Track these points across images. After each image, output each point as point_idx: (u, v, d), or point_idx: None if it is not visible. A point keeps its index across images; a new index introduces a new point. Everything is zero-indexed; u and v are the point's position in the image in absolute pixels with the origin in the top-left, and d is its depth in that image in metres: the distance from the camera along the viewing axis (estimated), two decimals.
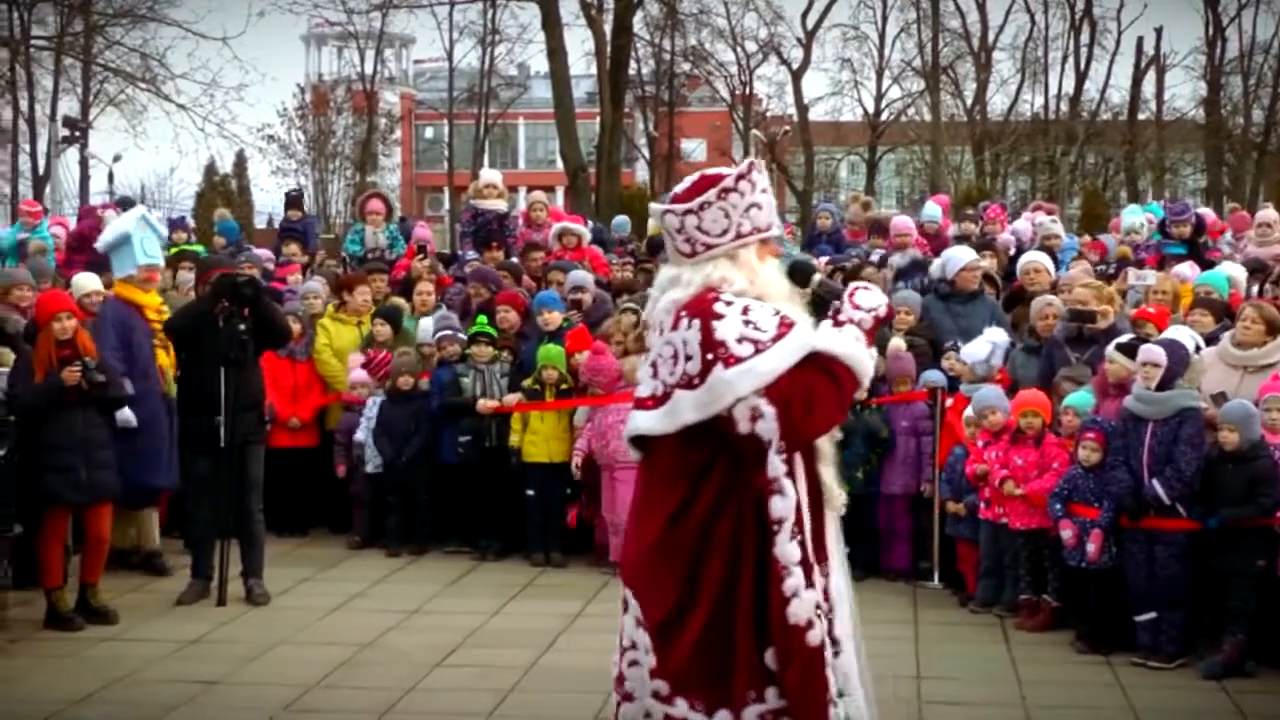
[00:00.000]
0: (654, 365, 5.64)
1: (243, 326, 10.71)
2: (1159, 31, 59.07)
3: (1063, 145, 55.97)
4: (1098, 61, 59.33)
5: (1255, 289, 12.81)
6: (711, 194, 5.58)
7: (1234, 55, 58.10)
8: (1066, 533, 9.83)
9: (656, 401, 5.58)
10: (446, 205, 62.25)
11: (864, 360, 5.57)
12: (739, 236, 5.58)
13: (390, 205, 16.86)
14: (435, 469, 12.81)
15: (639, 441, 5.71)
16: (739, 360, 5.34)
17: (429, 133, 78.05)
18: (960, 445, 11.07)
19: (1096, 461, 9.80)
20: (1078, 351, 10.99)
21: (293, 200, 19.55)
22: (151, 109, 44.41)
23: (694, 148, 65.49)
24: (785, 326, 5.43)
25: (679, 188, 5.78)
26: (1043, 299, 11.73)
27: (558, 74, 35.72)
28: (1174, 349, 9.58)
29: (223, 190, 54.34)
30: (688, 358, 5.44)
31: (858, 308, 5.61)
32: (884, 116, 59.90)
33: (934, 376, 11.64)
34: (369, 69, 57.83)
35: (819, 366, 5.45)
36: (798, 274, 5.77)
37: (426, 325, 13.40)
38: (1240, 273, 13.06)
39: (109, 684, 8.89)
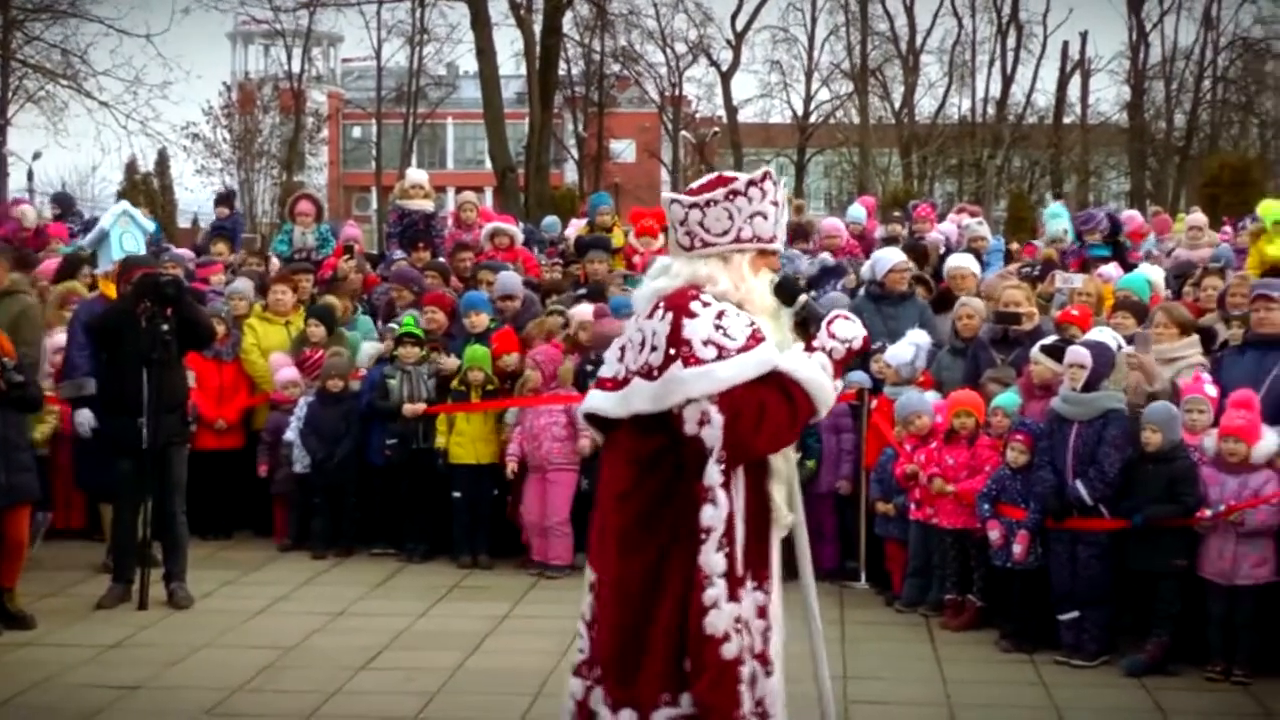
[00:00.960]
0: (622, 349, 5.72)
1: (165, 327, 10.60)
2: (1084, 36, 59.65)
3: (989, 148, 56.51)
4: (1024, 65, 60.17)
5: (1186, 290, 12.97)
6: (720, 193, 5.62)
7: (1157, 60, 58.89)
8: (994, 533, 9.89)
9: (615, 384, 5.66)
10: (374, 205, 62.07)
11: (824, 388, 5.54)
12: (737, 240, 5.61)
13: (320, 206, 16.76)
14: (362, 470, 12.72)
15: (598, 421, 5.79)
16: (699, 362, 5.35)
17: (357, 132, 77.70)
18: (890, 447, 11.09)
19: (1024, 463, 9.86)
20: (1003, 353, 11.05)
21: (222, 199, 19.42)
22: (73, 106, 43.86)
23: (623, 148, 65.65)
24: (754, 340, 5.43)
25: (695, 184, 5.84)
26: (964, 301, 11.79)
27: (487, 74, 35.72)
28: (1099, 351, 9.66)
29: (145, 189, 53.95)
30: (653, 348, 5.48)
31: (833, 336, 5.62)
32: (813, 119, 60.32)
33: (859, 377, 11.66)
34: (296, 67, 57.59)
35: (777, 385, 5.44)
36: (783, 291, 5.72)
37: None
38: (1158, 274, 13.20)
39: (26, 689, 8.76)
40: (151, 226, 13.45)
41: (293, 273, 14.57)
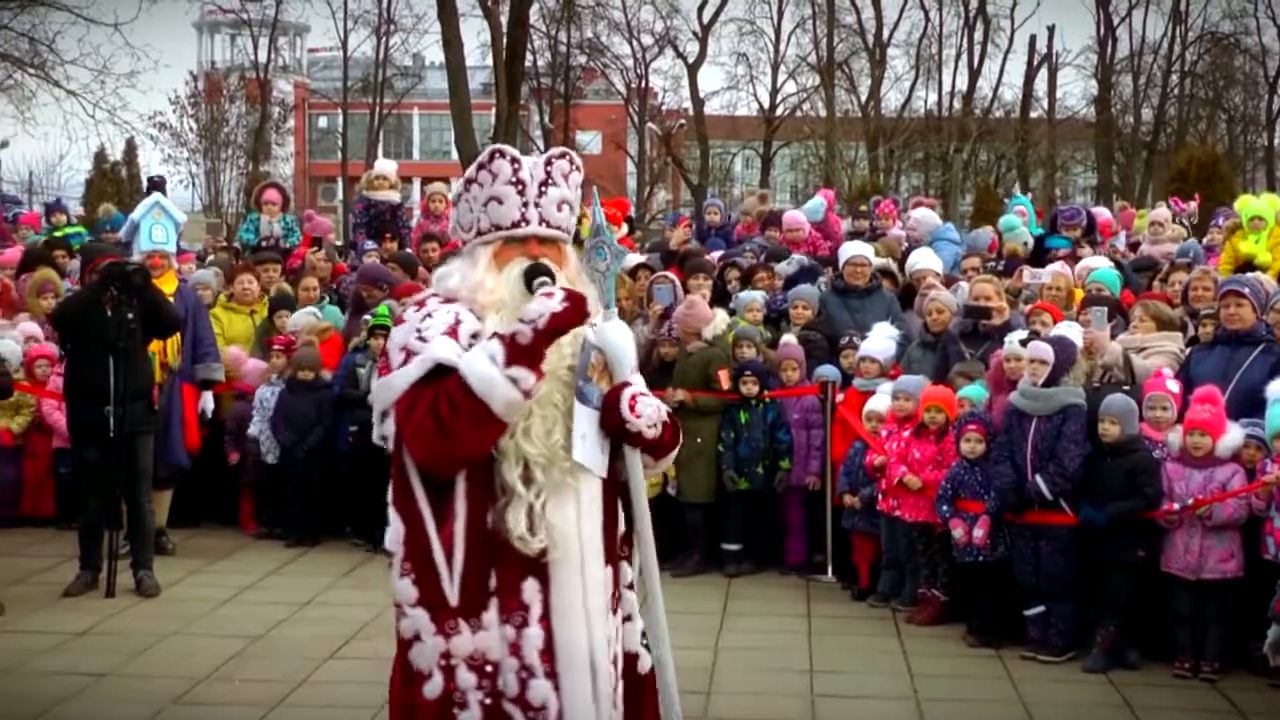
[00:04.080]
0: None
1: (131, 315, 10.59)
2: (1051, 30, 59.90)
3: (956, 142, 56.54)
4: (991, 59, 60.36)
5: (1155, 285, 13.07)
6: (460, 185, 5.06)
7: (1124, 55, 59.11)
8: (957, 531, 9.92)
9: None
10: (340, 195, 61.96)
11: (487, 379, 4.57)
12: (479, 234, 4.98)
13: (287, 196, 16.74)
14: (331, 458, 12.70)
15: None
16: (388, 371, 4.82)
17: (323, 122, 77.53)
18: (860, 440, 11.12)
19: (981, 453, 9.92)
20: (972, 348, 11.08)
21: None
22: (40, 95, 43.54)
23: (589, 140, 65.57)
24: (448, 333, 4.74)
25: None
26: (934, 296, 11.81)
27: (453, 64, 35.58)
28: (1061, 346, 9.70)
29: (113, 178, 53.73)
30: None
31: (520, 319, 4.68)
32: (779, 111, 60.34)
33: (826, 371, 11.69)
34: (263, 57, 57.44)
35: (439, 384, 4.64)
36: (527, 277, 4.84)
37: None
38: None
39: None
40: (183, 218, 13.46)
41: (258, 262, 14.56)
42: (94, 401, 10.62)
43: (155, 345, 11.49)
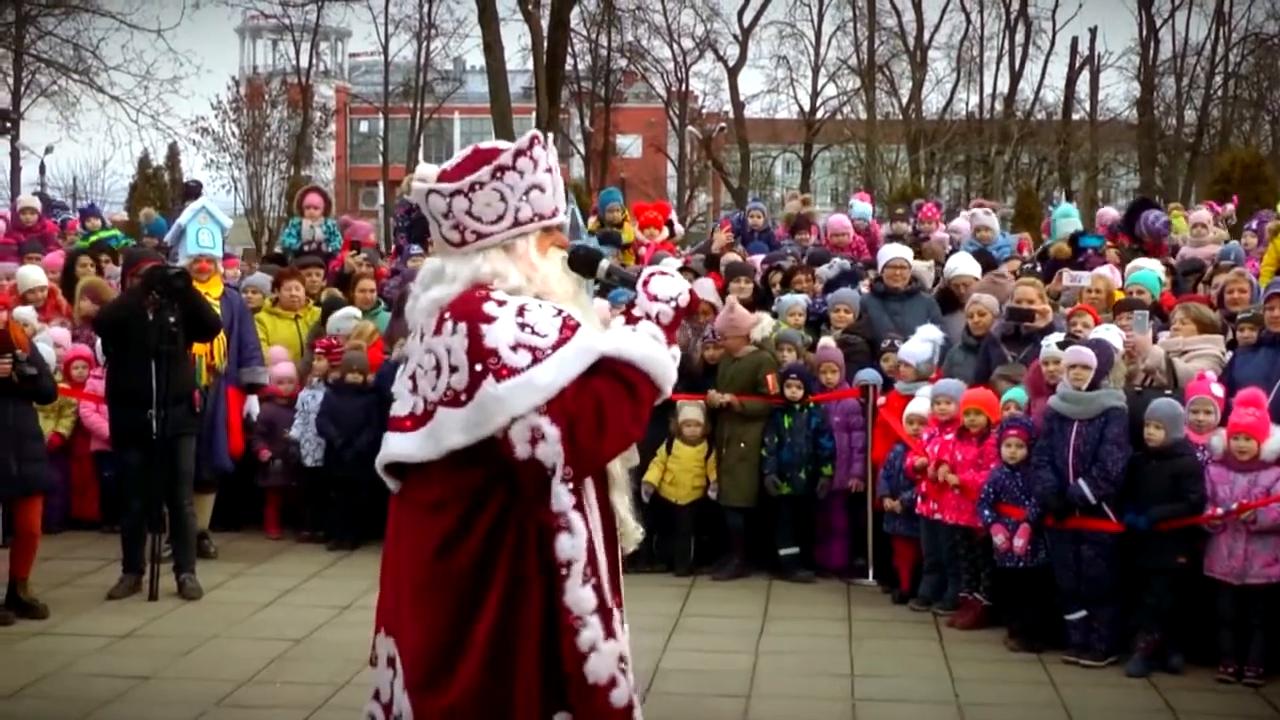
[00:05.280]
0: (413, 378, 4.78)
1: (173, 319, 10.64)
2: (1093, 32, 59.81)
3: (997, 144, 56.29)
4: (1032, 61, 59.90)
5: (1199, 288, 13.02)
6: (485, 173, 4.75)
7: (1167, 56, 58.75)
8: (998, 537, 9.90)
9: (416, 421, 4.72)
10: (381, 200, 62.10)
11: (663, 363, 4.67)
12: (516, 224, 4.74)
13: (328, 200, 16.80)
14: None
15: (395, 469, 4.86)
16: (514, 371, 4.51)
17: (364, 126, 77.77)
18: (901, 443, 11.09)
19: (1022, 458, 9.87)
20: (1014, 350, 11.03)
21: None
22: (84, 100, 44.00)
23: (629, 143, 65.62)
24: (569, 330, 4.59)
25: (448, 164, 4.94)
26: (976, 298, 11.76)
27: (493, 69, 35.65)
28: (1101, 349, 9.65)
29: (155, 183, 53.95)
30: (453, 369, 4.60)
31: (654, 299, 4.73)
32: (819, 114, 60.09)
33: (867, 374, 11.67)
34: (304, 62, 57.61)
35: (610, 375, 4.59)
36: (580, 263, 4.89)
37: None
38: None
39: (39, 678, 8.81)
40: (229, 223, 13.59)
41: (301, 266, 14.62)
42: (136, 405, 10.67)
43: (202, 348, 11.57)
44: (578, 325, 4.61)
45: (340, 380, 12.78)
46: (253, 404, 12.58)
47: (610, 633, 4.61)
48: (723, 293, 12.75)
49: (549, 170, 4.82)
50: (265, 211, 53.20)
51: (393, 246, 18.82)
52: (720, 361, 11.95)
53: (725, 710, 8.45)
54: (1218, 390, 9.71)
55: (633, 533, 4.85)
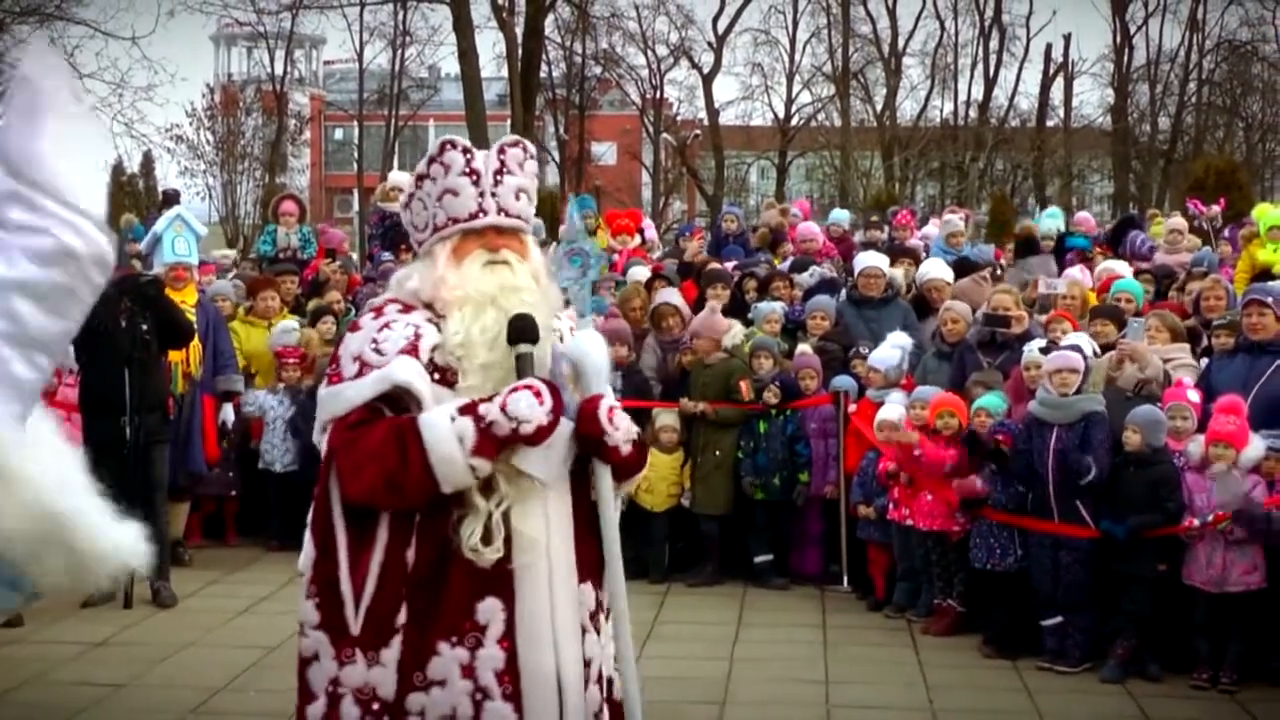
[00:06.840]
0: None
1: (145, 326, 10.62)
2: (1067, 39, 59.57)
3: (971, 151, 56.46)
4: (1006, 68, 60.08)
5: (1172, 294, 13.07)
6: (413, 183, 4.84)
7: (1141, 63, 58.96)
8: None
9: None
10: (356, 207, 61.98)
11: (448, 460, 4.34)
12: (435, 230, 4.74)
13: (303, 207, 16.78)
14: None
15: None
16: (340, 380, 4.54)
17: (339, 134, 77.54)
18: (874, 449, 11.10)
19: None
20: (990, 356, 11.06)
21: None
22: None
23: (604, 151, 65.55)
24: (408, 350, 4.51)
25: None
26: (949, 305, 11.80)
27: (468, 76, 35.71)
28: (1080, 355, 9.69)
29: (130, 190, 53.81)
30: None
31: (503, 408, 4.37)
32: (794, 121, 60.23)
33: (842, 381, 11.68)
34: (279, 70, 57.44)
35: (396, 432, 4.41)
36: (512, 331, 4.51)
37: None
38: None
39: (15, 686, 8.80)
40: (204, 231, 13.56)
41: (276, 274, 14.59)
42: (109, 413, 10.63)
43: (178, 355, 11.54)
44: (414, 348, 4.50)
45: (314, 387, 12.72)
46: (228, 412, 12.53)
47: (340, 658, 4.51)
48: (699, 300, 12.77)
49: (467, 173, 4.71)
50: (240, 219, 53.06)
51: (367, 254, 18.84)
52: (693, 369, 11.95)
53: (700, 717, 8.45)
54: (1194, 396, 9.72)
55: (484, 555, 4.45)
